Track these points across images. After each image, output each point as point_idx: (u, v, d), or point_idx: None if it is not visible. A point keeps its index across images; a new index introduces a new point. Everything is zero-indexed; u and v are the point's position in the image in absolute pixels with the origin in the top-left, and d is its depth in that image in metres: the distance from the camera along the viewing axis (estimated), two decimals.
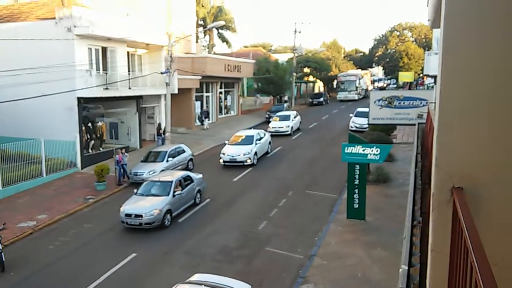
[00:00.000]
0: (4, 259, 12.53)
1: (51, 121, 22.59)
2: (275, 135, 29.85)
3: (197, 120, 36.52)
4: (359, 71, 63.45)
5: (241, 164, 22.90)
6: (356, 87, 55.86)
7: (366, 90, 61.19)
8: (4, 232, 13.34)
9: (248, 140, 24.12)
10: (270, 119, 38.70)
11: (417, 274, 5.86)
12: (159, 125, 29.06)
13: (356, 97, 54.62)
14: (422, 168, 11.92)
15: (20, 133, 22.13)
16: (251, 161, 23.08)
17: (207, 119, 35.37)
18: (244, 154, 23.02)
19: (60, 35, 21.96)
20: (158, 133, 28.70)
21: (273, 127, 31.24)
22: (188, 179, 17.56)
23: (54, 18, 22.73)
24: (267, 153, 25.48)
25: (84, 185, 20.57)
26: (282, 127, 31.29)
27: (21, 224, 15.91)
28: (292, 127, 31.80)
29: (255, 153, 23.61)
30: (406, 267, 5.44)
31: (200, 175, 18.83)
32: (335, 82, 62.83)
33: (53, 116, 22.65)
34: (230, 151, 23.45)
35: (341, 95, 56.11)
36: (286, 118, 32.50)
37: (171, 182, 16.49)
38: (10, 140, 20.76)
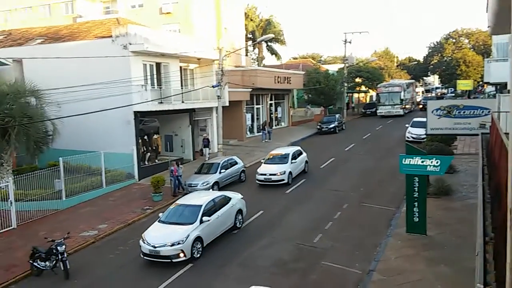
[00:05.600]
0: (68, 267, 13.03)
1: (109, 135, 23.54)
2: (267, 185, 21.79)
3: (248, 132, 36.87)
4: (404, 81, 57.30)
5: (168, 261, 13.54)
6: (401, 100, 48.05)
7: (414, 102, 56.06)
8: (68, 241, 13.93)
9: (188, 215, 14.68)
10: (322, 129, 38.42)
11: None
12: (265, 121, 37.24)
13: (401, 112, 47.52)
14: (490, 180, 11.23)
15: (81, 146, 23.19)
16: (185, 256, 13.49)
17: (207, 148, 28.48)
18: (172, 244, 13.47)
19: (116, 52, 22.90)
20: (263, 128, 35.82)
21: (261, 174, 22.02)
22: None
23: (111, 36, 23.79)
24: (234, 227, 16.13)
25: (141, 196, 21.17)
26: (275, 174, 21.69)
27: (84, 234, 16.57)
28: (290, 173, 22.06)
29: (198, 239, 13.97)
30: (482, 286, 5.05)
31: None
32: (374, 94, 57.67)
33: (111, 130, 23.60)
34: (152, 236, 13.99)
35: (382, 110, 48.36)
36: (283, 159, 22.61)
37: None
38: (72, 153, 21.83)
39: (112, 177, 22.46)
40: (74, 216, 18.70)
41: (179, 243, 13.49)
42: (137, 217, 18.23)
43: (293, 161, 22.76)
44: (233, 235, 15.88)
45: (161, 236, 13.87)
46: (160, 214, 15.42)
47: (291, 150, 23.85)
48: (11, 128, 18.72)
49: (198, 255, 13.97)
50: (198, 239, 14.05)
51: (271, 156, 23.53)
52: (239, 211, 16.55)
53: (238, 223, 16.36)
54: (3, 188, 18.01)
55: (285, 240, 15.09)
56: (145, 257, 13.87)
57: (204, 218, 14.49)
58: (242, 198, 17.13)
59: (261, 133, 36.42)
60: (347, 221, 16.69)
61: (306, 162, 24.49)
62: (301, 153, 24.27)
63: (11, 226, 17.35)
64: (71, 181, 20.48)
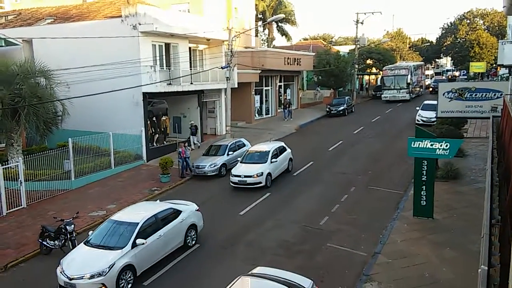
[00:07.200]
0: (77, 246, 13.18)
1: (118, 116, 23.60)
2: (243, 188, 18.97)
3: (256, 114, 36.77)
4: (412, 63, 54.77)
5: None
6: (408, 84, 45.19)
7: (423, 86, 53.84)
8: (77, 221, 14.12)
9: (120, 236, 11.84)
10: (331, 111, 38.18)
11: (498, 275, 5.40)
12: (285, 99, 38.71)
13: (407, 97, 45.01)
14: (499, 164, 11.11)
15: (90, 127, 23.31)
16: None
17: (194, 137, 26.77)
18: (92, 276, 10.68)
19: (126, 33, 22.79)
20: (284, 106, 37.09)
21: (235, 176, 19.16)
22: None
23: (120, 16, 23.59)
24: (185, 246, 13.35)
25: (149, 177, 21.31)
26: (250, 176, 18.76)
27: (92, 213, 16.78)
28: (269, 174, 19.16)
29: (128, 267, 11.19)
30: (486, 268, 5.00)
31: None
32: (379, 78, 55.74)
33: (120, 111, 23.65)
34: (70, 264, 11.23)
35: (387, 95, 45.89)
36: (262, 158, 19.74)
37: None
38: (82, 133, 21.98)
39: (121, 158, 22.60)
40: (83, 196, 18.92)
41: (99, 275, 10.66)
42: (145, 198, 18.37)
43: (273, 160, 19.65)
44: (239, 217, 15.98)
45: (81, 264, 11.06)
46: (90, 232, 12.62)
47: (272, 146, 20.60)
48: (21, 109, 18.84)
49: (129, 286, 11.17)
50: (129, 267, 11.19)
51: (249, 154, 20.54)
52: (192, 226, 13.53)
53: (189, 241, 13.40)
54: (13, 168, 18.23)
55: (291, 222, 15.14)
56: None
57: (138, 241, 11.51)
58: (197, 210, 14.16)
59: (282, 112, 37.84)
60: (354, 204, 16.67)
61: (291, 159, 21.48)
62: (284, 150, 21.20)
63: (21, 205, 17.63)
64: (80, 162, 20.67)
